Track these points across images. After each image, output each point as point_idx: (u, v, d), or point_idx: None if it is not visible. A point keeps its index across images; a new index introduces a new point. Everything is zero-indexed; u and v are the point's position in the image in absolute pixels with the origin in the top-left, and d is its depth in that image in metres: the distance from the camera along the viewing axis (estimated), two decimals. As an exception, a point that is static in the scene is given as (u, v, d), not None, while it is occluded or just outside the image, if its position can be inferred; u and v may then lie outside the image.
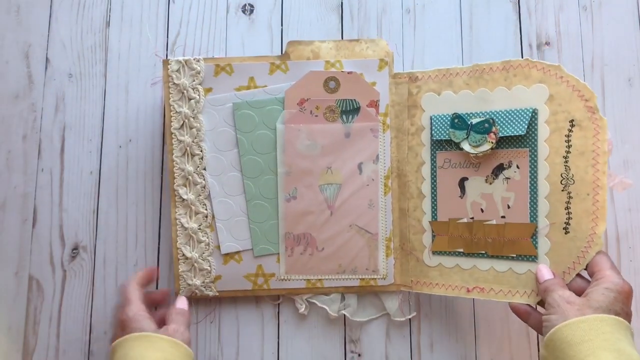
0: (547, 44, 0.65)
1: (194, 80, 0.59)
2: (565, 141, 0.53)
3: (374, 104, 0.60)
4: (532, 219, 0.54)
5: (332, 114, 0.59)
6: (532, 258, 0.54)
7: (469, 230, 0.57)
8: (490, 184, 0.56)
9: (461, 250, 0.57)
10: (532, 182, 0.54)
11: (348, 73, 0.59)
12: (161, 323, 0.53)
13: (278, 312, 0.61)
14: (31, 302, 0.60)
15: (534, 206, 0.54)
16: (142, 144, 0.63)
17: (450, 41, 0.65)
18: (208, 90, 0.60)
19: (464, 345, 0.61)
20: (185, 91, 0.59)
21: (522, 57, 0.65)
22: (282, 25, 0.65)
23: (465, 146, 0.56)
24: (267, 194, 0.60)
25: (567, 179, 0.53)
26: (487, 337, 0.61)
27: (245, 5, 0.66)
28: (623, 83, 0.65)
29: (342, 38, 0.65)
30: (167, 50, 0.64)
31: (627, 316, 0.47)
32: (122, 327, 0.51)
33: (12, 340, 0.59)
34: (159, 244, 0.62)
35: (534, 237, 0.54)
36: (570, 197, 0.52)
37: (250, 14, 0.65)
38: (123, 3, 0.65)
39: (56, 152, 0.62)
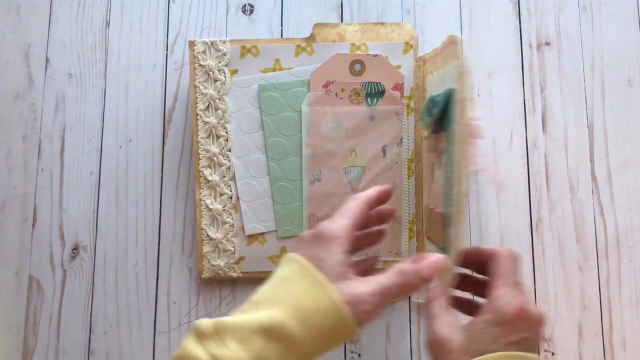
0: (547, 44, 0.65)
1: (219, 62, 0.59)
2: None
3: (399, 87, 0.60)
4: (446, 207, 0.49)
5: (357, 96, 0.59)
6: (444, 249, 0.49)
7: (435, 218, 0.54)
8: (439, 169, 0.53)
9: (430, 238, 0.56)
10: (448, 168, 0.49)
11: (373, 56, 0.60)
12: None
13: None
14: (31, 302, 0.60)
15: (448, 195, 0.48)
16: (142, 144, 0.63)
17: (450, 41, 0.65)
18: (234, 72, 0.60)
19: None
20: (211, 72, 0.59)
21: (522, 57, 0.65)
22: (282, 25, 0.65)
23: (424, 131, 0.56)
24: (291, 176, 0.60)
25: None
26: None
27: (245, 5, 0.66)
28: (623, 83, 0.65)
29: (342, 38, 0.65)
30: (167, 50, 0.64)
31: (524, 345, 0.39)
32: (313, 237, 0.41)
33: (12, 340, 0.59)
34: (159, 244, 0.62)
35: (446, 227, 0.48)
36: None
37: (250, 14, 0.65)
38: (123, 3, 0.65)
39: (56, 152, 0.62)
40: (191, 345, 0.38)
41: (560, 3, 0.66)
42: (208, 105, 0.59)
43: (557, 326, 0.61)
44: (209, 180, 0.59)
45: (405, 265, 0.40)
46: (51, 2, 0.65)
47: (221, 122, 0.59)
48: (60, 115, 0.63)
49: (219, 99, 0.59)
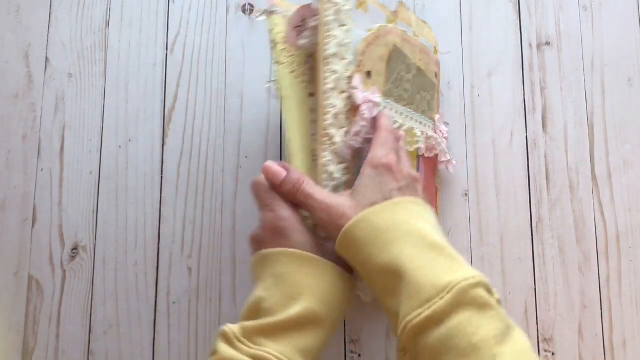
0: (547, 43, 0.65)
1: (345, 6, 0.51)
2: None
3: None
4: None
5: None
6: None
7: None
8: None
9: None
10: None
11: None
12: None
13: (278, 312, 0.61)
14: (31, 302, 0.60)
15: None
16: (142, 144, 0.63)
17: (450, 41, 0.65)
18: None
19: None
20: (338, 15, 0.50)
21: (522, 57, 0.65)
22: (282, 25, 0.65)
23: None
24: None
25: None
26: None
27: (245, 5, 0.66)
28: (623, 83, 0.65)
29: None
30: (167, 50, 0.64)
31: (409, 192, 0.42)
32: (272, 231, 0.43)
33: (12, 340, 0.59)
34: (158, 244, 0.62)
35: None
36: None
37: (250, 14, 0.65)
38: (123, 3, 0.65)
39: (56, 152, 0.62)
40: (224, 348, 0.38)
41: (561, 3, 0.66)
42: (337, 52, 0.49)
43: (557, 326, 0.61)
44: (334, 143, 0.48)
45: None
46: (51, 2, 0.65)
47: (345, 74, 0.50)
48: (60, 115, 0.63)
49: (345, 48, 0.50)
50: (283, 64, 0.50)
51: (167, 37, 0.65)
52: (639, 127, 0.64)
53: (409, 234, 0.39)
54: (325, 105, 0.48)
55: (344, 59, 0.50)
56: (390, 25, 0.55)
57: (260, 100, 0.64)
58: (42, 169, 0.62)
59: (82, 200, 0.62)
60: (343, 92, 0.49)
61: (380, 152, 0.44)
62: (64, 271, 0.61)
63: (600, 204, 0.63)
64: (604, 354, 0.61)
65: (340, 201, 0.42)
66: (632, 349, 0.61)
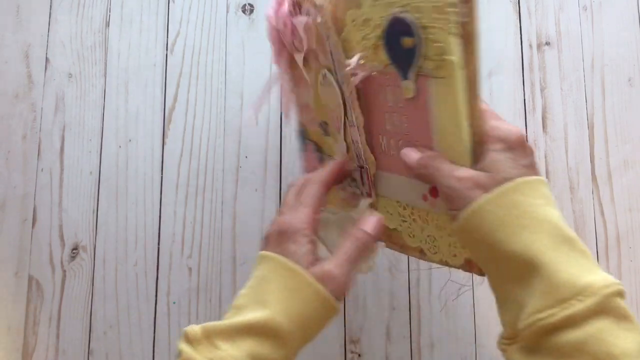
0: (547, 43, 0.65)
1: None
2: None
3: None
4: None
5: None
6: None
7: None
8: None
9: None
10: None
11: None
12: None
13: (278, 312, 0.61)
14: (31, 302, 0.60)
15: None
16: (142, 144, 0.63)
17: (451, 41, 0.65)
18: None
19: (464, 345, 0.61)
20: None
21: (522, 57, 0.65)
22: (282, 25, 0.65)
23: None
24: None
25: None
26: (487, 337, 0.61)
27: (245, 5, 0.66)
28: (623, 83, 0.65)
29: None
30: (167, 50, 0.64)
31: (534, 170, 0.39)
32: (279, 234, 0.43)
33: (12, 340, 0.59)
34: (158, 244, 0.62)
35: None
36: None
37: (250, 13, 0.65)
38: (123, 3, 0.65)
39: (56, 152, 0.62)
40: (187, 349, 0.39)
41: (561, 3, 0.66)
42: None
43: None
44: None
45: (356, 231, 0.43)
46: (51, 2, 0.65)
47: None
48: (60, 115, 0.63)
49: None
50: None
51: (167, 37, 0.65)
52: (639, 127, 0.64)
53: (545, 221, 0.37)
54: None
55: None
56: None
57: (260, 100, 0.64)
58: (42, 169, 0.62)
59: (82, 201, 0.62)
60: None
61: (503, 125, 0.39)
62: (64, 271, 0.61)
63: (601, 204, 0.63)
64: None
65: (474, 173, 0.38)
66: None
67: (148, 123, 0.63)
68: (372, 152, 0.45)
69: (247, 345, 0.38)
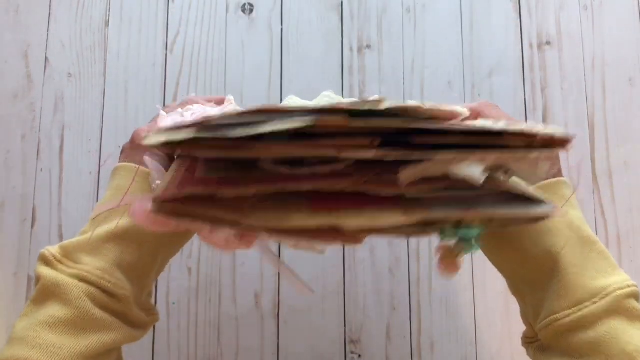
0: (548, 43, 0.65)
1: None
2: None
3: None
4: None
5: None
6: None
7: None
8: None
9: None
10: None
11: None
12: None
13: (278, 313, 0.61)
14: (30, 303, 0.60)
15: None
16: (141, 144, 0.63)
17: (451, 41, 0.65)
18: None
19: (464, 345, 0.61)
20: None
21: (523, 57, 0.65)
22: (282, 24, 0.65)
23: None
24: None
25: None
26: (487, 337, 0.61)
27: (245, 4, 0.65)
28: (624, 83, 0.65)
29: (342, 37, 0.65)
30: (166, 50, 0.64)
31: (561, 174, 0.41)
32: (131, 145, 0.45)
33: (12, 341, 0.59)
34: (158, 244, 0.61)
35: None
36: None
37: (250, 13, 0.65)
38: (122, 3, 0.65)
39: (55, 152, 0.62)
40: (46, 271, 0.37)
41: (561, 2, 0.66)
42: None
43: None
44: None
45: None
46: (50, 2, 0.65)
47: None
48: (60, 115, 0.63)
49: None
50: None
51: (167, 37, 0.65)
52: (639, 127, 0.64)
53: (565, 224, 0.38)
54: None
55: None
56: None
57: (260, 100, 0.64)
58: (41, 169, 0.62)
59: (82, 201, 0.62)
60: None
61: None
62: (64, 271, 0.61)
63: (601, 205, 0.63)
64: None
65: None
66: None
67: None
68: None
69: (113, 254, 0.38)
